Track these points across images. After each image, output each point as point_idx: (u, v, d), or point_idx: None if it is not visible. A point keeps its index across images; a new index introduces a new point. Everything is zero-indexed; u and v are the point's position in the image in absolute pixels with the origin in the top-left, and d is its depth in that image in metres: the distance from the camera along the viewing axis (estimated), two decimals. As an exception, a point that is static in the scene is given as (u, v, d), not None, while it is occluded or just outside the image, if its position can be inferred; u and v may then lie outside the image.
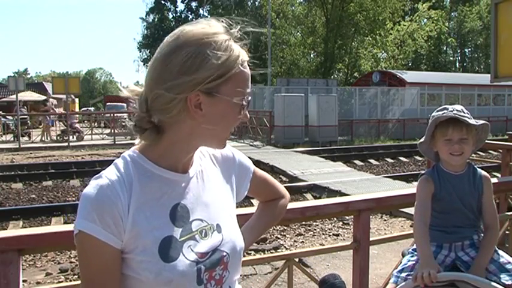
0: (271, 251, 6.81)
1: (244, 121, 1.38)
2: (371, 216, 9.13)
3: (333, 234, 8.02)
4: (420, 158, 17.72)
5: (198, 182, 1.40)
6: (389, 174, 13.97)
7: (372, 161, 17.69)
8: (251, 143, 21.51)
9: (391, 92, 30.17)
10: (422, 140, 2.33)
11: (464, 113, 2.21)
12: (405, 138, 26.06)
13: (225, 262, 1.36)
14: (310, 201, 2.85)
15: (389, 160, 17.99)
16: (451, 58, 65.07)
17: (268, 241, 7.54)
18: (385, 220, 8.75)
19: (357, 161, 17.37)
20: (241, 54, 1.29)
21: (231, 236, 1.40)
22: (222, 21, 1.30)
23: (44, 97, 32.46)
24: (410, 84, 30.62)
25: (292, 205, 2.69)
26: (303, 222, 8.34)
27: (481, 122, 2.23)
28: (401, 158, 18.29)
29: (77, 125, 24.18)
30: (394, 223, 8.47)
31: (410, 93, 30.19)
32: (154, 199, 1.28)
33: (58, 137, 22.15)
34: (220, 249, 1.36)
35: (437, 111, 2.26)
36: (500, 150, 7.42)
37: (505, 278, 2.13)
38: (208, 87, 1.24)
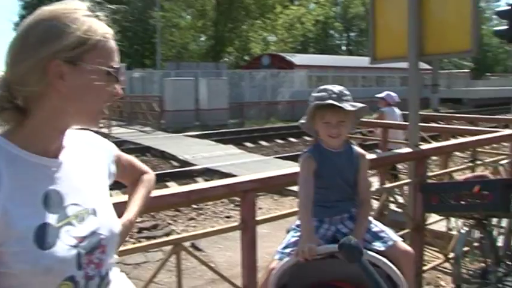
0: (162, 237, 6.74)
1: (117, 97, 1.35)
2: (262, 197, 9.28)
3: (225, 217, 8.12)
4: (309, 138, 18.34)
5: (69, 166, 1.35)
6: (279, 155, 14.34)
7: (263, 142, 18.03)
8: (141, 129, 21.01)
9: (280, 75, 30.82)
10: (303, 120, 2.40)
11: (343, 94, 2.28)
12: (294, 119, 26.78)
13: (103, 245, 1.34)
14: (195, 185, 2.85)
15: (279, 141, 18.45)
16: (338, 42, 67.74)
17: (159, 227, 7.46)
18: (275, 200, 8.98)
19: (247, 143, 17.61)
20: (104, 27, 1.29)
21: (107, 219, 1.39)
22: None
23: None
24: (299, 67, 31.48)
25: (177, 189, 2.67)
26: (194, 206, 8.36)
27: (360, 105, 2.30)
28: (291, 139, 18.79)
29: None
30: (284, 202, 8.73)
31: (299, 76, 31.05)
32: (24, 186, 1.21)
33: None
34: (98, 233, 1.34)
35: (318, 91, 2.32)
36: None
37: (378, 245, 2.29)
38: (69, 56, 1.22)
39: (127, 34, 39.63)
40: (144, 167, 1.86)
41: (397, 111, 8.47)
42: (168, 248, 2.75)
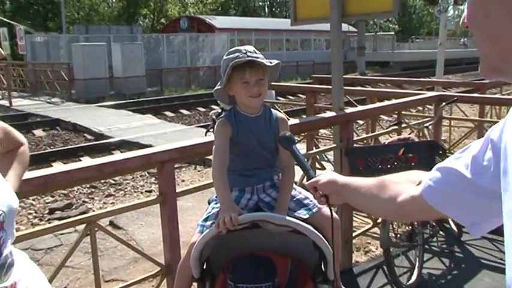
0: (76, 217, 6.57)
1: None
2: (185, 168, 9.22)
3: (146, 191, 8.03)
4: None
5: None
6: (201, 124, 14.32)
7: (184, 111, 17.91)
8: (48, 100, 20.13)
9: (200, 39, 30.49)
10: (218, 86, 2.39)
11: (257, 52, 2.31)
12: (217, 86, 26.69)
13: (1, 221, 1.28)
14: (107, 157, 2.78)
15: (201, 109, 18.37)
16: (260, 3, 67.62)
17: (74, 206, 7.26)
18: (199, 171, 8.99)
19: (167, 113, 17.45)
20: None
21: (4, 193, 1.33)
22: None
23: None
24: (220, 30, 31.31)
25: (87, 163, 2.59)
26: (112, 182, 8.22)
27: (275, 61, 2.35)
28: (214, 107, 18.66)
29: None
30: (208, 173, 8.71)
31: (220, 39, 30.83)
32: None
33: None
34: None
35: (230, 53, 2.32)
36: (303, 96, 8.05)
37: (303, 213, 2.35)
38: None
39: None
40: (20, 137, 1.75)
41: None
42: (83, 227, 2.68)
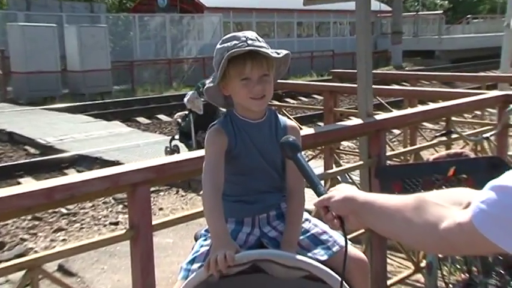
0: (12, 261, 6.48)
1: None
2: (162, 193, 9.25)
3: (110, 224, 8.02)
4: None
5: None
6: (186, 134, 14.37)
7: (162, 116, 18.09)
8: (-29, 100, 20.24)
9: (184, 21, 30.66)
10: (210, 83, 2.39)
11: (260, 40, 2.31)
12: (206, 84, 26.75)
13: None
14: (59, 178, 2.77)
15: (186, 114, 18.45)
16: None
17: (7, 247, 7.16)
18: (182, 196, 8.98)
19: (141, 118, 17.65)
20: None
21: None
22: None
23: None
24: (211, 10, 31.44)
25: (29, 186, 2.57)
26: (64, 211, 8.22)
27: (284, 52, 2.35)
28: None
29: None
30: (194, 199, 8.72)
31: (210, 22, 30.99)
32: None
33: None
34: None
35: (225, 41, 2.32)
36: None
37: (320, 253, 2.31)
38: None
39: None
40: None
41: None
42: (20, 275, 2.64)
